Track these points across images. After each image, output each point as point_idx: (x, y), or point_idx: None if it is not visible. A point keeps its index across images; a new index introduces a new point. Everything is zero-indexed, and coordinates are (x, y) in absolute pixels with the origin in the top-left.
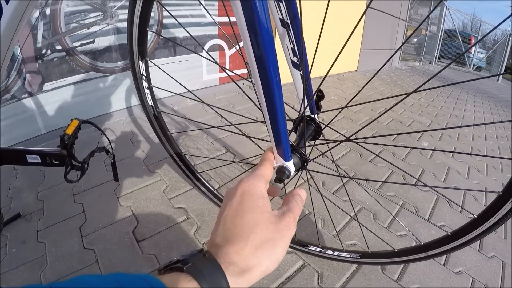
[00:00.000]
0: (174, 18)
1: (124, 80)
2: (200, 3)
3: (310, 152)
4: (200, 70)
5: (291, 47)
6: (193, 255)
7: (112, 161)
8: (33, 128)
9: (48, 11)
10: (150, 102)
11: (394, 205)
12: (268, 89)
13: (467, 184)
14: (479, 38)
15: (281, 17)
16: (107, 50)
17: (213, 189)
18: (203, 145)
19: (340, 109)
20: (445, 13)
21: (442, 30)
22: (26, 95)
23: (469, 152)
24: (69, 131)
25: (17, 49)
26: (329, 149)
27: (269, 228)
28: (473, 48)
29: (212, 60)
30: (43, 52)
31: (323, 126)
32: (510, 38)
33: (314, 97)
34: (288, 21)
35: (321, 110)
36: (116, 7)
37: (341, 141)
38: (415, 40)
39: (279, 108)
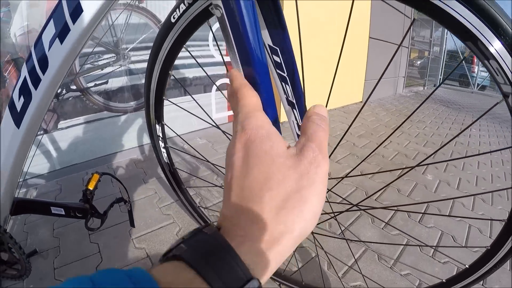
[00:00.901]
0: (197, 61)
1: (136, 120)
2: (217, 44)
3: None
4: (209, 108)
5: (297, 123)
6: (193, 235)
7: (129, 209)
8: (49, 164)
9: None
10: (166, 160)
11: (399, 243)
12: None
13: (471, 216)
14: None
15: (286, 97)
16: (120, 91)
17: None
18: (214, 188)
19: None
20: (446, 34)
21: (444, 52)
22: (42, 132)
23: (471, 194)
24: (91, 186)
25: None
26: (335, 216)
27: (289, 176)
28: (476, 67)
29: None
30: (58, 91)
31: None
32: None
33: None
34: (294, 101)
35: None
36: (128, 49)
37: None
38: (419, 62)
39: None
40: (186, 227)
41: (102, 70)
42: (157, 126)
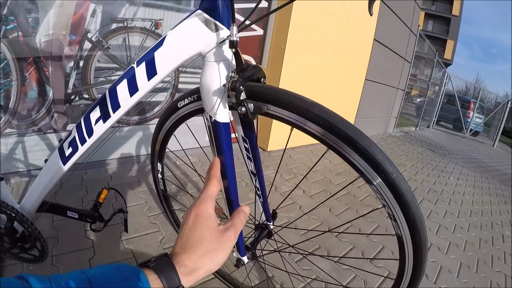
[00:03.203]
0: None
1: (137, 132)
2: None
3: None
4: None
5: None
6: (158, 258)
7: (125, 218)
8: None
9: (81, 63)
10: (161, 187)
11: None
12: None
13: None
14: (477, 104)
15: (248, 168)
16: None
17: None
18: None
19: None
20: (446, 79)
21: (442, 94)
22: (51, 131)
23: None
24: (101, 200)
25: (49, 91)
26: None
27: (213, 241)
28: (471, 112)
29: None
30: (71, 97)
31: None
32: (509, 104)
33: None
34: (254, 172)
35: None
36: None
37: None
38: (419, 100)
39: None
40: (168, 237)
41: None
42: (158, 164)
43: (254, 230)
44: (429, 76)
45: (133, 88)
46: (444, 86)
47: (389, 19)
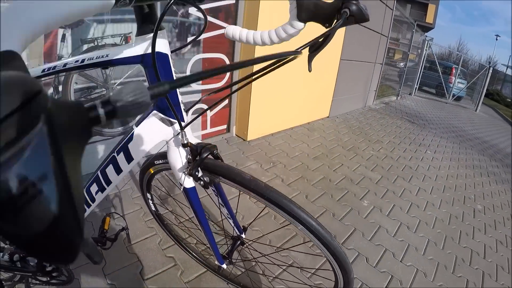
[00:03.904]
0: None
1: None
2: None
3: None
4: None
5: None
6: None
7: (127, 233)
8: None
9: (60, 87)
10: (153, 208)
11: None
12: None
13: (391, 242)
14: (459, 69)
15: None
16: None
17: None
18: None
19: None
20: (427, 47)
21: (423, 60)
22: None
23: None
24: (106, 227)
25: None
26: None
27: None
28: (453, 78)
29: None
30: None
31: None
32: (491, 69)
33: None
34: (222, 203)
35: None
36: (116, 83)
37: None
38: (401, 64)
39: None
40: (165, 239)
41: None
42: (147, 194)
43: (227, 242)
44: (409, 41)
45: (118, 170)
46: (425, 52)
47: None
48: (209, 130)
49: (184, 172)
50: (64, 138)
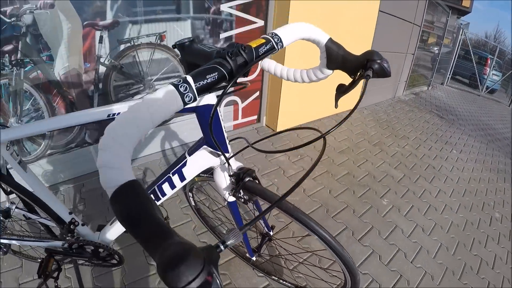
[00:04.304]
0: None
1: (159, 132)
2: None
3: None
4: None
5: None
6: None
7: (168, 222)
8: (91, 166)
9: (100, 85)
10: (193, 203)
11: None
12: None
13: (404, 242)
14: (494, 60)
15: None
16: None
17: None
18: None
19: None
20: (462, 35)
21: (458, 48)
22: (86, 145)
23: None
24: None
25: None
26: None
27: None
28: (488, 69)
29: None
30: None
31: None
32: None
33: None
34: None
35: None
36: (153, 80)
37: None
38: (435, 49)
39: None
40: (199, 225)
41: (132, 97)
42: (189, 193)
43: (257, 237)
44: (444, 25)
45: (172, 187)
46: (460, 38)
47: None
48: (240, 120)
49: (228, 192)
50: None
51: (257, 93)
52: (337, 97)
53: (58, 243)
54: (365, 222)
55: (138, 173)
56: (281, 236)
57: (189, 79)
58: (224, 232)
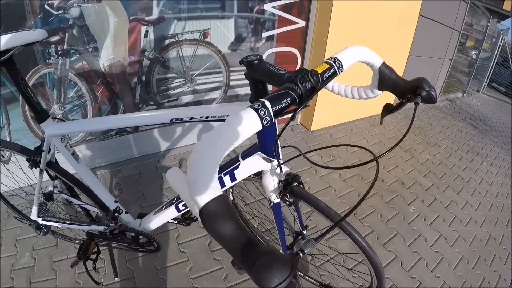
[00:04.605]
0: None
1: (196, 124)
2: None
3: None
4: None
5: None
6: None
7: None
8: (130, 153)
9: (143, 77)
10: (231, 198)
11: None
12: None
13: (427, 251)
14: None
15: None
16: (187, 105)
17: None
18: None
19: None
20: (501, 41)
21: (497, 53)
22: (126, 133)
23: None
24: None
25: (120, 103)
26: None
27: None
28: None
29: None
30: (139, 105)
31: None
32: None
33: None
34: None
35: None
36: (195, 74)
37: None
38: (473, 53)
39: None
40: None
41: (174, 90)
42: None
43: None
44: (484, 29)
45: (222, 186)
46: (500, 45)
47: None
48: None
49: (275, 195)
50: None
51: None
52: (383, 115)
53: (100, 228)
54: (391, 227)
55: (174, 162)
56: (311, 234)
57: (267, 104)
58: (256, 226)
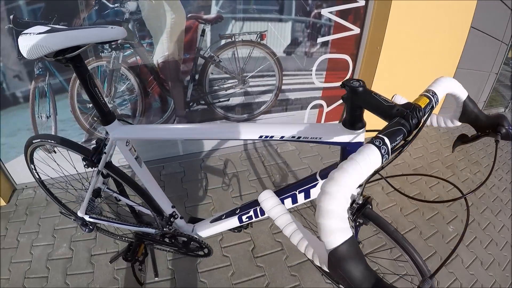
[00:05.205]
0: None
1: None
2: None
3: None
4: (303, 121)
5: None
6: None
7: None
8: (175, 150)
9: (197, 76)
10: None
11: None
12: None
13: (462, 273)
14: None
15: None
16: (237, 106)
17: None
18: None
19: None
20: None
21: None
22: None
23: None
24: None
25: (171, 100)
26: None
27: None
28: None
29: None
30: (190, 104)
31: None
32: None
33: None
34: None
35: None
36: (248, 76)
37: None
38: None
39: None
40: (274, 226)
41: (225, 91)
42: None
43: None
44: None
45: (294, 202)
46: None
47: (489, 2)
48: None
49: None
50: None
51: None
52: (456, 144)
53: (151, 230)
54: (429, 246)
55: (219, 163)
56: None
57: (387, 141)
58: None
